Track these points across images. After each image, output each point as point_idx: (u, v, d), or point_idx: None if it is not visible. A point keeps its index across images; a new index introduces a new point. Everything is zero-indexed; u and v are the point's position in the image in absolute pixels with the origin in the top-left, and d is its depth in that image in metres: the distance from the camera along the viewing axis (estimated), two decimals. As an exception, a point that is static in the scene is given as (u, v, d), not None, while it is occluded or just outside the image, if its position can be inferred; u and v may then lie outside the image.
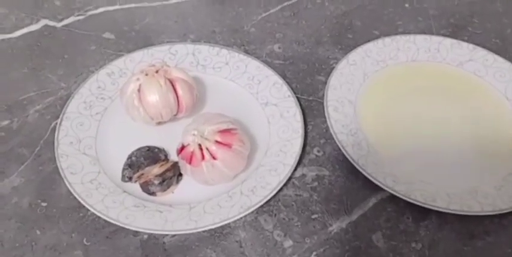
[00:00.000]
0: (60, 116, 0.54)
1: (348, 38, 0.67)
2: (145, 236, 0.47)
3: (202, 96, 0.59)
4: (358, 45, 0.63)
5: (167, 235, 0.47)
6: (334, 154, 0.54)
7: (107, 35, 0.66)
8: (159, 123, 0.55)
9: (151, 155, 0.51)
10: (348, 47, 0.64)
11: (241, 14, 0.70)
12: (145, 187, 0.49)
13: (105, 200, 0.48)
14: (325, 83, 0.58)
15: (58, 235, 0.47)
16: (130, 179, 0.50)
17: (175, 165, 0.50)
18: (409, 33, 0.66)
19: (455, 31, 0.68)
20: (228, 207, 0.48)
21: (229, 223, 0.48)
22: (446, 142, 0.55)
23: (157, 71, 0.51)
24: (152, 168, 0.50)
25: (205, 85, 0.60)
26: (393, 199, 0.50)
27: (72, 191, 0.48)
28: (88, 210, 0.48)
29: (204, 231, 0.47)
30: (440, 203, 0.48)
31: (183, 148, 0.48)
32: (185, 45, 0.62)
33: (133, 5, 0.70)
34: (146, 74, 0.51)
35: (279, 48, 0.65)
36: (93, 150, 0.53)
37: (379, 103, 0.58)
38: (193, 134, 0.46)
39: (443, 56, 0.63)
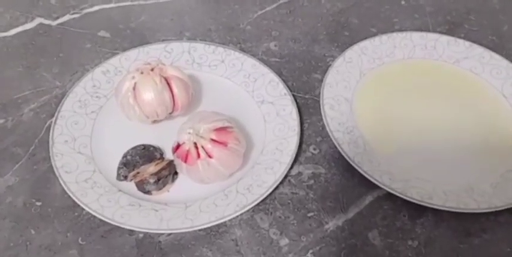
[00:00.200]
0: (55, 114, 0.54)
1: (344, 35, 0.67)
2: (141, 235, 0.47)
3: (198, 94, 0.58)
4: (355, 43, 0.63)
5: (163, 233, 0.47)
6: (330, 151, 0.54)
7: (102, 33, 0.66)
8: (155, 121, 0.54)
9: (147, 153, 0.51)
10: (344, 45, 0.64)
11: (237, 12, 0.70)
12: (141, 186, 0.49)
13: (100, 199, 0.47)
14: (322, 80, 0.58)
15: (53, 235, 0.47)
16: (125, 178, 0.49)
17: (170, 164, 0.50)
18: (405, 30, 0.66)
19: (452, 28, 0.68)
20: (224, 205, 0.48)
21: (225, 222, 0.48)
22: (442, 139, 0.55)
23: (152, 69, 0.51)
24: (147, 167, 0.50)
25: (201, 83, 0.60)
26: (389, 196, 0.49)
27: (67, 190, 0.48)
28: (83, 209, 0.47)
29: (200, 230, 0.47)
30: (437, 201, 0.48)
31: (178, 146, 0.47)
32: (181, 43, 0.62)
33: (128, 3, 0.70)
34: (141, 73, 0.51)
35: (275, 46, 0.65)
36: (88, 149, 0.52)
37: (376, 101, 0.58)
38: (189, 133, 0.46)
39: (440, 54, 0.63)
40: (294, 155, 0.51)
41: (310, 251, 0.47)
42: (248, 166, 0.52)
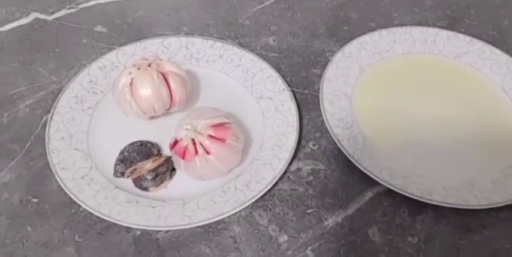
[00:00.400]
0: (51, 110, 0.53)
1: (344, 30, 0.66)
2: (138, 232, 0.47)
3: (196, 90, 0.58)
4: (354, 38, 0.62)
5: (160, 230, 0.47)
6: (330, 147, 0.54)
7: (98, 28, 0.65)
8: (152, 117, 0.54)
9: (144, 150, 0.50)
10: (343, 40, 0.64)
11: (236, 7, 0.69)
12: (138, 182, 0.48)
13: (97, 196, 0.47)
14: (321, 76, 0.58)
15: (49, 232, 0.46)
16: (122, 174, 0.49)
17: (168, 160, 0.50)
18: (405, 25, 0.66)
19: (452, 23, 0.68)
20: (222, 202, 0.47)
21: (223, 219, 0.47)
22: (442, 135, 0.54)
23: (149, 65, 0.51)
24: (145, 163, 0.49)
25: (199, 79, 0.59)
26: (389, 192, 0.49)
27: (63, 187, 0.47)
28: (80, 206, 0.47)
29: (198, 227, 0.47)
30: (437, 197, 0.47)
31: (176, 142, 0.47)
32: (178, 38, 0.61)
33: (125, -2, 0.69)
34: (138, 68, 0.50)
35: (274, 41, 0.64)
36: (84, 145, 0.52)
37: (375, 96, 0.58)
38: (187, 129, 0.45)
39: (440, 48, 0.63)
40: (293, 151, 0.51)
41: (310, 247, 0.46)
42: (247, 162, 0.51)
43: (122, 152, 0.50)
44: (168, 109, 0.53)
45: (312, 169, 0.52)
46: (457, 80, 0.60)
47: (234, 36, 0.65)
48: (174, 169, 0.50)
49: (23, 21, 0.66)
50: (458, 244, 0.47)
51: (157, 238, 0.46)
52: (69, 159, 0.50)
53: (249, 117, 0.55)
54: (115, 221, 0.45)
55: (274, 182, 0.48)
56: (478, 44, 0.62)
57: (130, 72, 0.50)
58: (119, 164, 0.49)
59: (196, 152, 0.45)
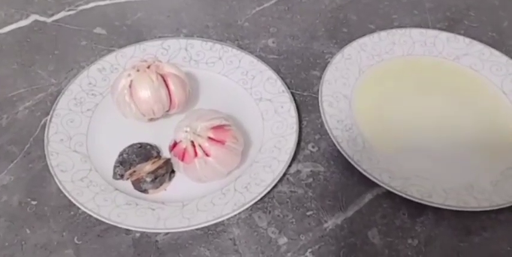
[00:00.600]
0: (50, 112, 0.53)
1: (343, 32, 0.66)
2: (138, 235, 0.46)
3: (195, 92, 0.58)
4: (354, 40, 0.62)
5: (160, 233, 0.46)
6: (329, 149, 0.53)
7: (98, 30, 0.65)
8: (151, 119, 0.54)
9: (143, 152, 0.50)
10: (343, 41, 0.64)
11: (235, 8, 0.69)
12: (137, 185, 0.48)
13: (97, 198, 0.47)
14: (320, 77, 0.58)
15: (48, 234, 0.46)
16: (122, 176, 0.49)
17: (167, 162, 0.49)
18: (404, 27, 0.66)
19: (452, 25, 0.68)
20: (222, 204, 0.47)
21: (222, 221, 0.47)
22: (442, 136, 0.54)
23: (148, 67, 0.51)
24: (144, 165, 0.49)
25: (198, 81, 0.59)
26: (389, 195, 0.49)
27: (62, 189, 0.47)
28: (79, 208, 0.47)
29: (197, 229, 0.47)
30: (437, 199, 0.47)
31: (175, 144, 0.47)
32: (178, 40, 0.61)
33: (124, 0, 0.69)
34: (137, 70, 0.50)
35: (273, 42, 0.64)
36: (84, 147, 0.52)
37: (375, 98, 0.58)
38: (186, 131, 0.45)
39: (439, 50, 0.63)
40: (293, 153, 0.51)
41: (309, 250, 0.46)
42: (246, 164, 0.51)
43: (121, 154, 0.50)
44: (167, 111, 0.53)
45: (311, 171, 0.52)
46: (456, 82, 0.60)
47: (234, 38, 0.65)
48: (173, 171, 0.50)
49: (22, 23, 0.66)
50: (459, 246, 0.47)
51: (157, 240, 0.46)
52: (68, 161, 0.50)
53: (249, 119, 0.55)
54: (114, 224, 0.45)
55: (273, 184, 0.48)
56: (478, 46, 0.62)
57: (129, 74, 0.50)
58: (118, 166, 0.49)
59: (196, 154, 0.45)
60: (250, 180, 0.49)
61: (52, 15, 0.67)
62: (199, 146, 0.45)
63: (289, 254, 0.46)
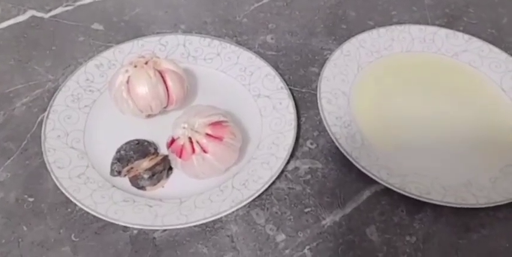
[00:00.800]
0: (48, 109, 0.53)
1: (342, 28, 0.66)
2: (135, 232, 0.46)
3: (193, 88, 0.57)
4: (352, 36, 0.62)
5: (157, 230, 0.46)
6: (328, 146, 0.53)
7: (95, 25, 0.65)
8: (149, 116, 0.53)
9: (141, 148, 0.50)
10: (341, 38, 0.63)
11: (233, 4, 0.69)
12: (135, 181, 0.48)
13: (94, 195, 0.47)
14: (319, 74, 0.57)
15: (45, 231, 0.46)
16: (119, 173, 0.49)
17: (165, 159, 0.49)
18: (403, 23, 0.65)
19: (451, 21, 0.67)
20: (220, 201, 0.47)
21: (220, 218, 0.47)
22: (441, 133, 0.54)
23: (146, 63, 0.50)
24: (142, 162, 0.49)
25: (196, 77, 0.59)
26: (387, 191, 0.49)
27: (59, 185, 0.47)
28: (76, 205, 0.46)
29: (195, 226, 0.46)
30: (435, 196, 0.47)
31: (173, 141, 0.47)
32: (176, 36, 0.61)
33: (122, -5, 0.69)
34: (135, 66, 0.50)
35: (272, 39, 0.64)
36: (81, 144, 0.51)
37: (373, 94, 0.57)
38: (184, 127, 0.45)
39: (439, 47, 0.62)
40: (291, 150, 0.50)
41: (307, 247, 0.46)
42: (244, 160, 0.51)
43: (118, 151, 0.50)
44: (165, 107, 0.53)
45: (309, 167, 0.52)
46: (455, 79, 0.60)
47: (232, 34, 0.64)
48: (171, 168, 0.50)
49: (20, 18, 0.65)
50: (457, 243, 0.47)
51: (154, 237, 0.46)
52: (65, 158, 0.49)
53: (247, 115, 0.55)
54: (111, 221, 0.45)
55: (271, 181, 0.48)
56: (477, 43, 0.62)
57: (127, 70, 0.50)
58: (116, 163, 0.49)
59: (193, 150, 0.45)
60: (248, 177, 0.49)
61: (49, 10, 0.66)
62: (197, 142, 0.45)
63: (287, 251, 0.46)
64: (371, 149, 0.52)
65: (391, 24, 0.64)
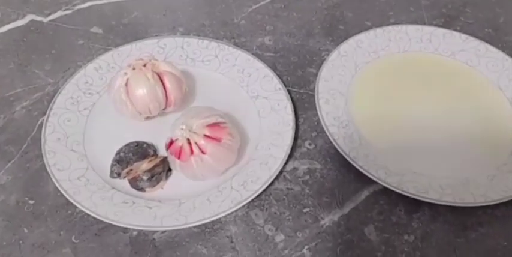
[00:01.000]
0: (47, 112, 0.53)
1: (339, 29, 0.66)
2: (135, 233, 0.47)
3: (192, 90, 0.58)
4: (350, 37, 0.62)
5: (157, 231, 0.47)
6: (326, 146, 0.54)
7: (94, 29, 0.65)
8: (148, 118, 0.54)
9: (140, 150, 0.50)
10: (339, 39, 0.64)
11: (231, 7, 0.69)
12: (134, 183, 0.48)
13: (94, 197, 0.47)
14: (317, 75, 0.58)
15: (46, 233, 0.46)
16: (118, 175, 0.49)
17: (164, 160, 0.50)
18: (400, 23, 0.66)
19: (448, 21, 0.68)
20: (219, 202, 0.47)
21: (219, 218, 0.47)
22: (438, 132, 0.54)
23: (145, 65, 0.51)
24: (141, 163, 0.49)
25: (195, 79, 0.59)
26: (385, 191, 0.49)
27: (59, 188, 0.47)
28: (76, 207, 0.47)
29: (194, 227, 0.47)
30: (433, 195, 0.47)
31: (171, 142, 0.47)
32: (174, 38, 0.61)
33: (121, -1, 0.69)
34: (134, 68, 0.50)
35: (270, 40, 0.64)
36: (81, 146, 0.52)
37: (371, 95, 0.58)
38: (182, 129, 0.45)
39: (436, 47, 0.63)
40: (289, 151, 0.51)
41: (306, 247, 0.46)
42: (243, 161, 0.51)
43: (118, 153, 0.50)
44: (163, 109, 0.53)
45: (308, 168, 0.52)
46: (452, 78, 0.60)
47: (230, 36, 0.65)
48: (170, 169, 0.50)
49: (19, 23, 0.66)
50: (455, 242, 0.47)
51: (154, 239, 0.46)
52: (65, 160, 0.50)
53: (245, 116, 0.55)
54: (111, 222, 0.45)
55: (270, 182, 0.49)
56: (474, 42, 0.62)
57: (125, 73, 0.50)
58: (115, 164, 0.49)
59: (192, 151, 0.46)
60: (246, 177, 0.49)
61: (49, 14, 0.67)
62: (196, 143, 0.45)
63: (286, 251, 0.46)
64: (369, 149, 0.52)
65: (388, 25, 0.64)
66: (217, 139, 0.46)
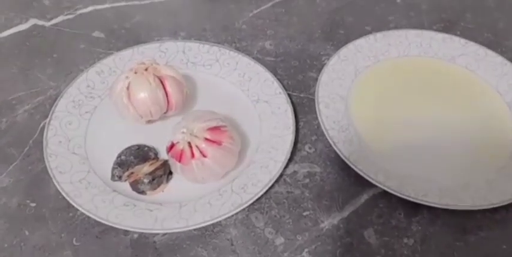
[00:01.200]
0: (49, 115, 0.54)
1: (340, 33, 0.66)
2: (136, 236, 0.47)
3: (193, 93, 0.58)
4: (350, 41, 0.62)
5: (157, 233, 0.47)
6: (326, 150, 0.54)
7: (96, 33, 0.66)
8: (149, 121, 0.54)
9: (141, 153, 0.50)
10: (339, 43, 0.64)
11: (233, 11, 0.70)
12: (135, 186, 0.49)
13: (95, 200, 0.47)
14: (317, 79, 0.58)
15: (47, 236, 0.47)
16: (120, 178, 0.49)
17: (165, 163, 0.50)
18: (401, 28, 0.66)
19: (448, 26, 0.68)
20: (219, 205, 0.47)
21: (220, 221, 0.47)
22: (437, 136, 0.55)
23: (146, 69, 0.51)
24: (142, 167, 0.49)
25: (196, 83, 0.59)
26: (385, 194, 0.49)
27: (61, 190, 0.47)
28: (77, 210, 0.47)
29: (194, 229, 0.47)
30: (432, 198, 0.47)
31: (172, 146, 0.47)
32: (175, 42, 0.62)
33: (123, 3, 0.70)
34: (135, 72, 0.51)
35: (270, 45, 0.65)
36: (82, 149, 0.52)
37: (371, 99, 0.58)
38: (183, 132, 0.46)
39: (435, 51, 0.63)
40: (289, 154, 0.51)
41: (306, 250, 0.46)
42: (243, 165, 0.52)
43: (119, 156, 0.50)
44: (164, 113, 0.53)
45: (308, 171, 0.52)
46: (452, 82, 0.60)
47: (231, 41, 0.65)
48: (171, 173, 0.50)
49: (22, 27, 0.66)
50: (454, 245, 0.47)
51: (155, 241, 0.47)
52: (66, 163, 0.50)
53: (246, 120, 0.55)
54: (112, 225, 0.45)
55: (270, 185, 0.49)
56: (474, 47, 0.63)
57: (127, 77, 0.51)
58: (116, 167, 0.49)
59: (193, 155, 0.46)
60: (247, 181, 0.49)
61: (51, 19, 0.67)
62: (196, 147, 0.46)
63: (286, 254, 0.46)
64: (368, 153, 0.52)
65: (388, 30, 0.65)
66: (218, 143, 0.46)
